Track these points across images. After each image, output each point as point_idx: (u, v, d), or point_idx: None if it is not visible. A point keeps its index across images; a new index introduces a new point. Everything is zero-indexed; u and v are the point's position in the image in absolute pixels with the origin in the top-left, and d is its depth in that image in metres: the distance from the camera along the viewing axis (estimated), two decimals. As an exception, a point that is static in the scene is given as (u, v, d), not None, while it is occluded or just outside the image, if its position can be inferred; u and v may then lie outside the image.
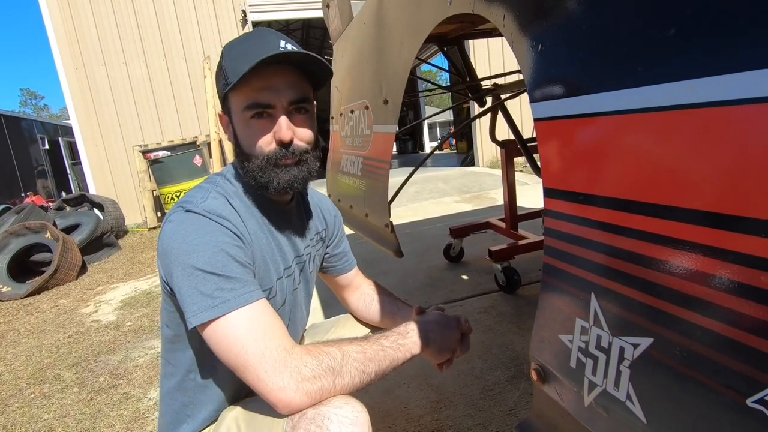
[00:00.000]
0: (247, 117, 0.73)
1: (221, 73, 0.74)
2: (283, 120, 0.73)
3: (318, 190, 1.04)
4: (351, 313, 1.10)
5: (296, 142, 0.75)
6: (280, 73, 0.72)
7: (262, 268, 0.78)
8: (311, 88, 0.79)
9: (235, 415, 0.77)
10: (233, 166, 0.83)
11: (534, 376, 0.67)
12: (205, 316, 0.65)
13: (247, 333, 0.64)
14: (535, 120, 0.63)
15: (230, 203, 0.76)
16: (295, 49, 0.72)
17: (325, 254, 1.01)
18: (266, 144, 0.74)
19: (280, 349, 0.64)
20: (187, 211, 0.71)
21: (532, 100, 0.64)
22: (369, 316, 1.05)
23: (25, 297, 3.36)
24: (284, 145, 0.74)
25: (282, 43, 0.72)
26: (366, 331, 1.06)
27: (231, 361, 0.65)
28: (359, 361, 0.67)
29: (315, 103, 0.81)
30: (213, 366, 0.79)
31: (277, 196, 0.82)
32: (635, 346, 0.49)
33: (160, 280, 0.76)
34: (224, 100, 0.77)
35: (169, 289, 0.72)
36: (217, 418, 0.81)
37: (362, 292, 1.07)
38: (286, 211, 0.86)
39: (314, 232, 0.95)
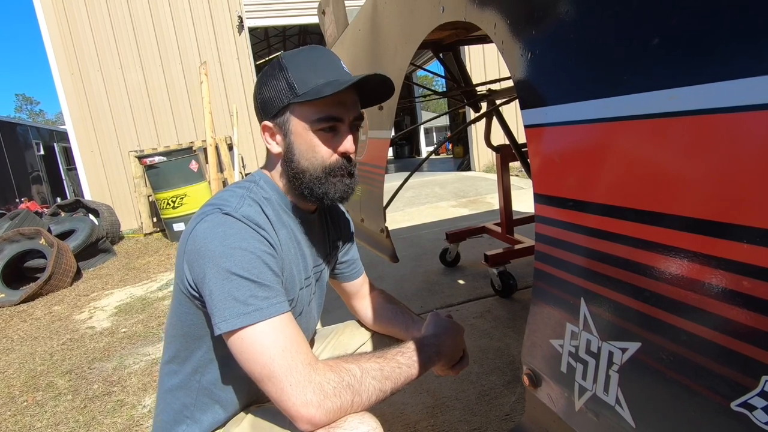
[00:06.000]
0: (315, 129, 0.75)
1: (284, 83, 0.75)
2: (349, 134, 0.77)
3: None
4: (358, 321, 1.10)
5: (353, 156, 0.79)
6: (348, 91, 0.76)
7: (288, 279, 0.78)
8: None
9: (252, 420, 0.77)
10: (263, 174, 0.83)
11: (526, 380, 0.68)
12: (237, 322, 0.64)
13: (275, 344, 0.64)
14: (525, 126, 0.64)
15: (263, 211, 0.76)
16: (367, 73, 0.77)
17: (335, 261, 1.02)
18: (328, 155, 0.76)
19: (305, 364, 0.64)
20: (225, 213, 0.70)
21: (522, 107, 0.65)
22: (377, 325, 1.05)
23: (19, 303, 3.34)
24: (347, 157, 0.78)
25: (342, 63, 0.78)
26: (366, 336, 1.07)
27: (255, 370, 0.64)
28: (377, 378, 0.68)
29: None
30: (222, 370, 0.79)
31: (307, 206, 0.84)
32: (623, 350, 0.49)
33: (177, 279, 0.74)
34: (280, 110, 0.76)
35: (192, 289, 0.71)
36: (222, 424, 0.81)
37: (370, 300, 1.07)
38: (310, 221, 0.87)
39: (331, 241, 0.96)
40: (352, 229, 1.05)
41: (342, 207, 1.04)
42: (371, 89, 0.80)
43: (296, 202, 0.83)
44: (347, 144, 0.77)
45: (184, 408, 0.80)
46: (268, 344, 0.64)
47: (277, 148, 0.79)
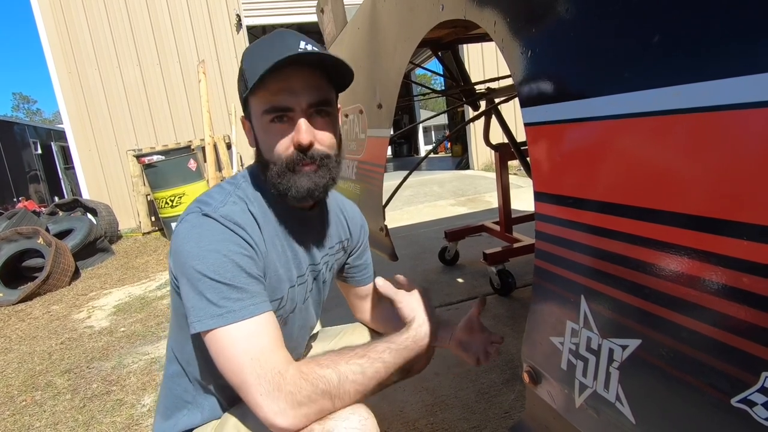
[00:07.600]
0: (266, 121, 0.71)
1: (241, 77, 0.73)
2: (302, 122, 0.69)
3: (349, 199, 1.02)
4: (362, 323, 1.09)
5: (316, 146, 0.71)
6: (298, 75, 0.69)
7: (274, 279, 0.76)
8: (333, 90, 0.76)
9: (235, 423, 0.77)
10: (253, 170, 0.81)
11: (526, 378, 0.68)
12: (211, 323, 0.64)
13: (245, 352, 0.63)
14: (525, 125, 0.64)
15: (249, 209, 0.75)
16: (314, 49, 0.68)
17: (346, 264, 1.00)
18: (285, 149, 0.71)
19: (275, 372, 0.63)
20: (204, 214, 0.70)
21: (522, 105, 0.65)
22: (383, 328, 1.04)
23: (17, 303, 3.33)
24: (303, 149, 0.70)
25: (302, 44, 0.68)
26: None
27: (229, 377, 0.65)
28: (358, 382, 0.67)
29: (339, 107, 0.78)
30: (210, 365, 0.79)
31: (298, 203, 0.80)
32: (624, 347, 0.50)
33: (170, 275, 0.76)
34: (245, 104, 0.75)
35: (177, 286, 0.72)
36: (220, 414, 0.81)
37: (380, 306, 1.05)
38: (307, 217, 0.85)
39: (335, 241, 0.93)
40: (366, 232, 1.02)
41: (357, 210, 1.01)
42: (335, 68, 0.72)
43: (284, 200, 0.81)
44: (299, 134, 0.69)
45: (185, 393, 0.82)
46: (239, 352, 0.63)
47: (253, 143, 0.77)
